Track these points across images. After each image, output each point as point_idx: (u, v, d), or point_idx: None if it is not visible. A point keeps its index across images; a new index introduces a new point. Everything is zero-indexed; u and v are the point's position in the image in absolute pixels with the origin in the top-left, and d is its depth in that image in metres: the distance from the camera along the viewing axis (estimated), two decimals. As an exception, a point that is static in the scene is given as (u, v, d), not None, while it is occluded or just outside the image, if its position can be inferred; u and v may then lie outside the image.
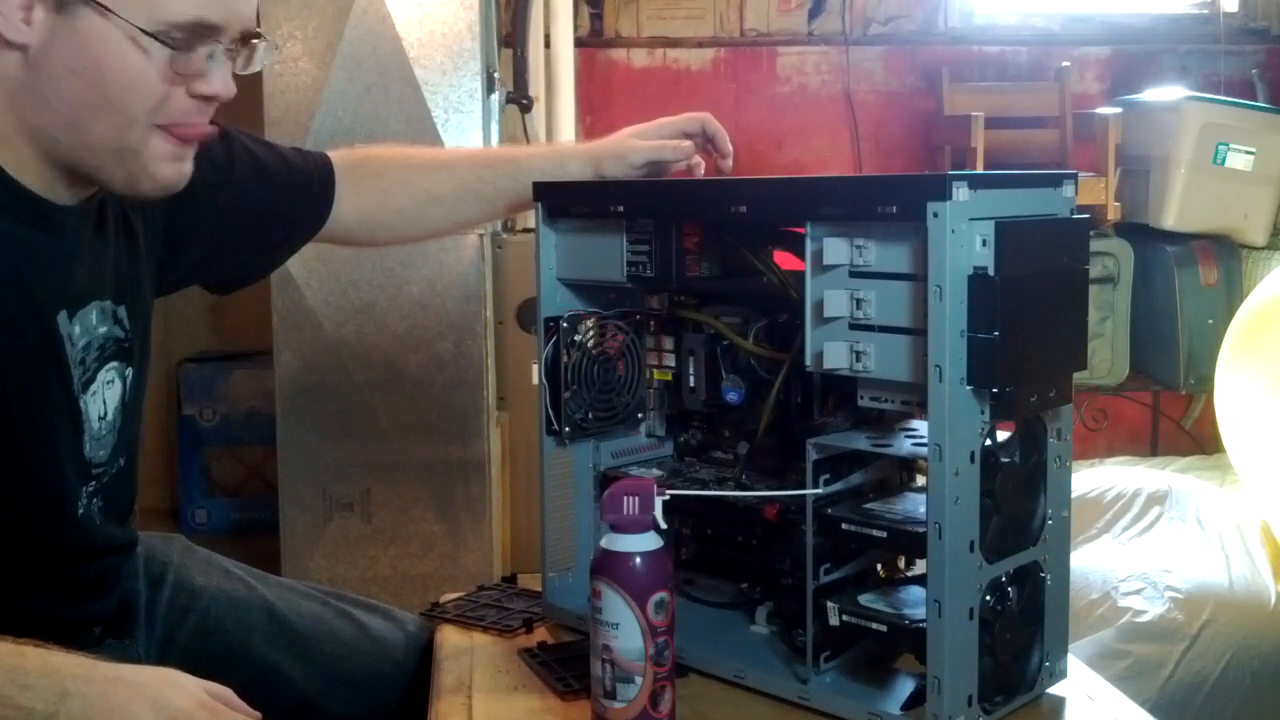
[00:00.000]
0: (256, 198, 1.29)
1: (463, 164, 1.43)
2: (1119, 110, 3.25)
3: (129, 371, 1.15)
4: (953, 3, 3.59)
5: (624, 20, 3.49)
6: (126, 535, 1.20)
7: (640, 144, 1.36)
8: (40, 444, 1.05)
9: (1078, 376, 1.08)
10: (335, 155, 1.38)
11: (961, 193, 0.95)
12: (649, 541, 1.01)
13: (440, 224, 1.43)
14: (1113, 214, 3.19)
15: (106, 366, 1.11)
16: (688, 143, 1.36)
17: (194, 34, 1.00)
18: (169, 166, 1.05)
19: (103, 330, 1.10)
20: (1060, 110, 3.31)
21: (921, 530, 0.99)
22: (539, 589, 1.32)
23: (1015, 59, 3.60)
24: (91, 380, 1.09)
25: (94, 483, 1.11)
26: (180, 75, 1.01)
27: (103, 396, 1.11)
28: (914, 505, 1.07)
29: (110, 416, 1.12)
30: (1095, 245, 3.13)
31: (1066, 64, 3.36)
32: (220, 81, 1.03)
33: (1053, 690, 1.11)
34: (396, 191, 1.39)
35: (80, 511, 1.10)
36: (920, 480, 1.14)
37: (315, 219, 1.36)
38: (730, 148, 1.39)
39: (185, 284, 1.30)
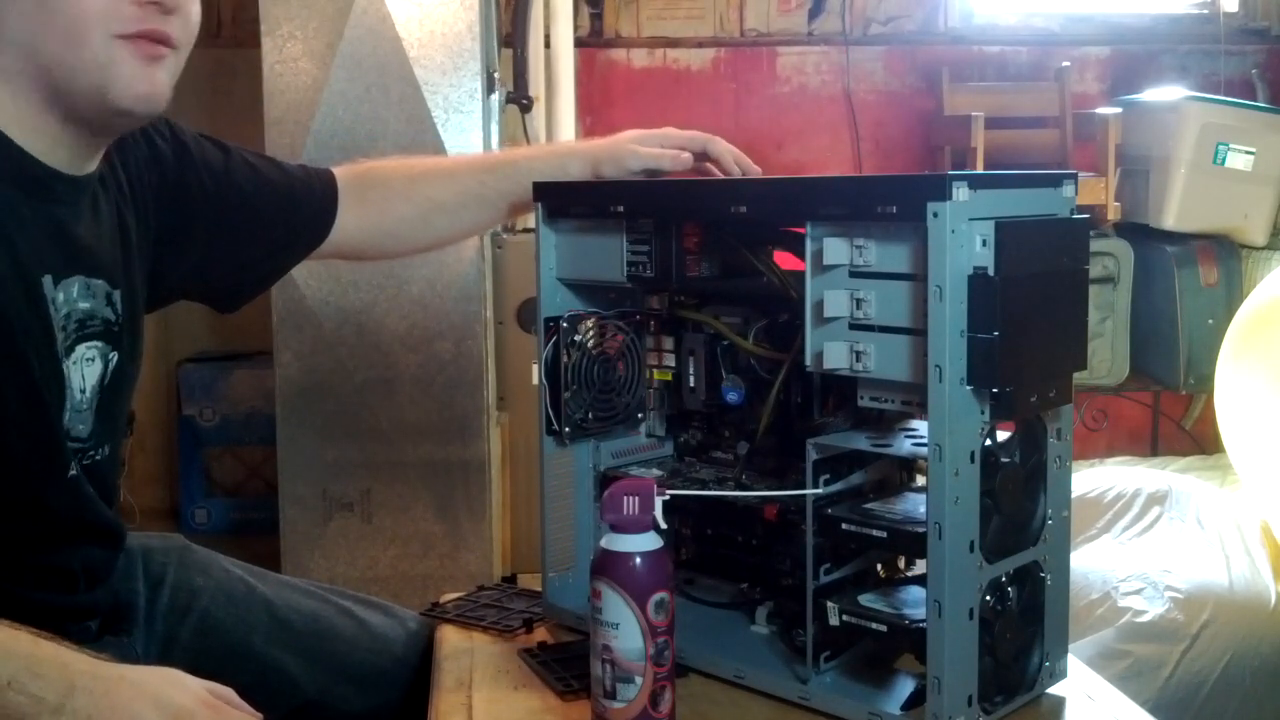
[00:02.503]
0: (254, 202, 1.30)
1: (464, 170, 1.44)
2: (1119, 110, 3.25)
3: (113, 356, 1.14)
4: (953, 3, 3.59)
5: (624, 20, 3.49)
6: (114, 521, 1.19)
7: (640, 150, 1.35)
8: (31, 396, 1.05)
9: (1078, 376, 1.07)
10: (339, 170, 1.40)
11: (961, 193, 0.95)
12: (649, 541, 1.01)
13: (446, 231, 1.44)
14: (1113, 214, 3.19)
15: (87, 343, 1.11)
16: (686, 154, 1.35)
17: None
18: (140, 79, 1.04)
19: (84, 306, 1.10)
20: (1060, 110, 3.31)
21: (921, 530, 0.99)
22: (539, 589, 1.32)
23: (1015, 59, 3.60)
24: (70, 350, 1.09)
25: (78, 459, 1.11)
26: None
27: (81, 370, 1.10)
28: (914, 505, 1.07)
29: (89, 393, 1.12)
30: (1095, 245, 3.13)
31: (1066, 64, 3.35)
32: None
33: (1053, 690, 1.11)
34: (400, 201, 1.40)
35: (72, 472, 1.10)
36: (920, 480, 1.14)
37: (317, 227, 1.36)
38: (737, 170, 1.35)
39: (184, 290, 1.30)
